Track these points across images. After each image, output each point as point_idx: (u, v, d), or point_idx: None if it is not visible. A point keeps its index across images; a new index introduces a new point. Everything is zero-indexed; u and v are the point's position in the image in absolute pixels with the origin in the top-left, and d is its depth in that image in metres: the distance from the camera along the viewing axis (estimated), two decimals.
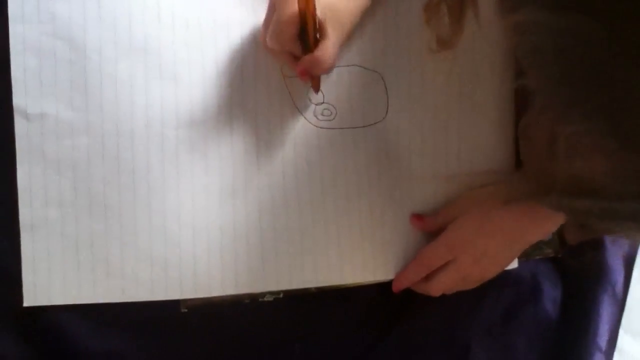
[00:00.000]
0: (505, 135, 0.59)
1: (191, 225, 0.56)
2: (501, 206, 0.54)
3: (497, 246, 0.56)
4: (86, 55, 0.55)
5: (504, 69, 0.57)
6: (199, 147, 0.56)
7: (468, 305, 0.60)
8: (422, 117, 0.58)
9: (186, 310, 0.56)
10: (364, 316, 0.60)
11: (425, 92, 0.58)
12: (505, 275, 0.58)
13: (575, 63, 0.29)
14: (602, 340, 0.61)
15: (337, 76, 0.57)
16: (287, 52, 0.52)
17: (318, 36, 0.50)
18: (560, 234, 0.60)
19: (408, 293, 0.59)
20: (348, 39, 0.54)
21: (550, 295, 0.62)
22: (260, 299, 0.57)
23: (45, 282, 0.54)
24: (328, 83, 0.57)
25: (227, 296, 0.56)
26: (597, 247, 0.61)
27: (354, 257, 0.58)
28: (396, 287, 0.58)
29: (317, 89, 0.56)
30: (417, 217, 0.58)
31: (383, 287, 0.59)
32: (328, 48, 0.50)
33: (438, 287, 0.57)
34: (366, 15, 0.55)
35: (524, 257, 0.60)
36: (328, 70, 0.52)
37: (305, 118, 0.57)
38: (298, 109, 0.57)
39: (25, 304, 0.54)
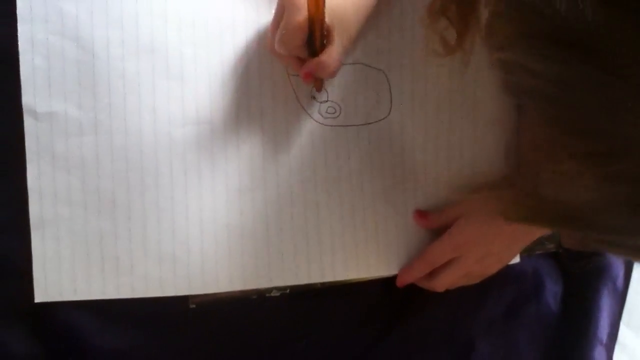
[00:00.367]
0: (508, 135, 0.59)
1: (199, 222, 0.56)
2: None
3: (501, 245, 0.56)
4: (94, 55, 0.55)
5: None
6: (206, 145, 0.57)
7: (470, 303, 0.61)
8: (425, 115, 0.58)
9: (194, 306, 0.57)
10: (367, 313, 0.61)
11: (429, 90, 0.58)
12: (508, 272, 0.59)
13: (563, 108, 0.29)
14: (603, 333, 0.61)
15: (342, 74, 0.57)
16: (293, 55, 0.52)
17: (325, 42, 0.50)
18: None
19: (410, 290, 0.59)
20: (352, 44, 0.55)
21: (552, 291, 0.62)
22: (267, 295, 0.58)
23: (56, 279, 0.55)
24: (332, 81, 0.58)
25: (234, 292, 0.57)
26: None
27: (359, 253, 0.59)
28: (400, 283, 0.59)
29: (319, 88, 0.57)
30: (421, 214, 0.59)
31: (385, 284, 0.59)
32: (333, 53, 0.50)
33: (442, 283, 0.58)
34: (371, 14, 0.55)
35: (525, 252, 0.61)
36: (332, 74, 0.52)
37: (310, 116, 0.58)
38: (303, 107, 0.58)
39: (36, 300, 0.55)
